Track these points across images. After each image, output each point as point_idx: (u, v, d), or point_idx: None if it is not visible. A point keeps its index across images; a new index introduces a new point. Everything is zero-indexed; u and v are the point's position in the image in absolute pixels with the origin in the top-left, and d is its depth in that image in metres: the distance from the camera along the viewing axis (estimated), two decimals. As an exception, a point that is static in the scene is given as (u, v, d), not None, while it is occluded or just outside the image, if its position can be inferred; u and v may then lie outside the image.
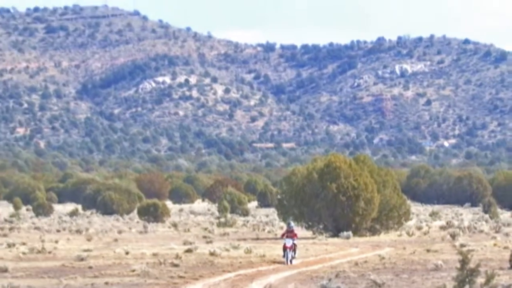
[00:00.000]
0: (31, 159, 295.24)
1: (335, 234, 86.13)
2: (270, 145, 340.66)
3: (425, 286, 37.52)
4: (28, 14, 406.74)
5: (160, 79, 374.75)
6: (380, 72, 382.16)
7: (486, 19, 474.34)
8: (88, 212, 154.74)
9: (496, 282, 22.48)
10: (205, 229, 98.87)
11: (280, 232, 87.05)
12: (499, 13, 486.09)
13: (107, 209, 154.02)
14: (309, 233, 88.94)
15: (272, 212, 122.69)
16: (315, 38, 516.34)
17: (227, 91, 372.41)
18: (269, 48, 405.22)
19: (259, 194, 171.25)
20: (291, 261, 51.19)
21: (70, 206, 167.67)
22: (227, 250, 66.32)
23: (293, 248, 51.27)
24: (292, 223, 57.90)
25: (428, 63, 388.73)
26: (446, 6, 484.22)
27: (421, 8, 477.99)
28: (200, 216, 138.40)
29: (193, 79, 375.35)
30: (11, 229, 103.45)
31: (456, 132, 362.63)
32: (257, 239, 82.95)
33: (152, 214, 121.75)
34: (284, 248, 51.13)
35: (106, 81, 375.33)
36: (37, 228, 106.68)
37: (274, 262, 53.18)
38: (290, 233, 51.61)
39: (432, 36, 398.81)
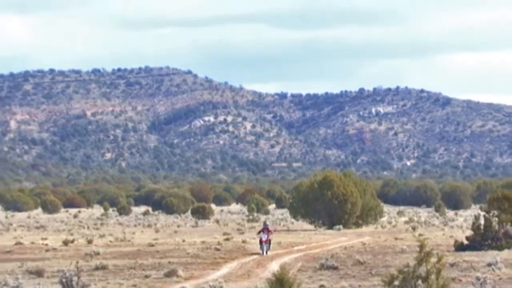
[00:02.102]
0: (116, 175, 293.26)
1: (330, 227, 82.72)
2: (284, 164, 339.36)
3: (394, 263, 35.38)
4: (113, 73, 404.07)
5: (206, 118, 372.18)
6: (361, 113, 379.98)
7: (436, 75, 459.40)
8: (156, 212, 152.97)
9: (444, 261, 22.75)
10: (238, 223, 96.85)
11: (291, 227, 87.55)
12: (444, 70, 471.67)
13: (169, 210, 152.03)
14: (311, 227, 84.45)
15: (285, 212, 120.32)
16: (315, 89, 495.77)
17: (253, 126, 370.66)
18: (283, 96, 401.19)
19: (276, 199, 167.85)
20: (266, 252, 45.48)
21: (143, 208, 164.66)
22: (254, 238, 62.59)
23: (269, 242, 45.69)
24: (268, 222, 53.12)
25: (395, 106, 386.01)
26: (407, 65, 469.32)
27: (389, 67, 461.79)
28: (235, 215, 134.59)
29: (229, 118, 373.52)
30: (101, 224, 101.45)
31: (415, 154, 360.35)
32: (275, 230, 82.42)
33: (201, 213, 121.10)
34: (260, 242, 45.60)
35: (168, 120, 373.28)
36: (120, 223, 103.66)
37: (252, 254, 46.88)
38: (265, 230, 45.68)
39: (397, 87, 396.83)
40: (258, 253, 46.56)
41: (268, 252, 45.58)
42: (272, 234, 47.95)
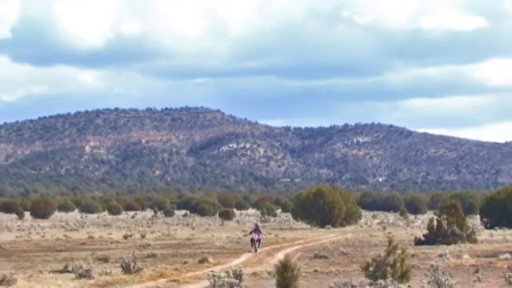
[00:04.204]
0: (163, 187, 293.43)
1: (322, 226, 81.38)
2: (288, 180, 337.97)
3: (369, 254, 34.10)
4: (162, 111, 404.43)
5: (230, 145, 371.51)
6: (345, 142, 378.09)
7: (401, 114, 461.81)
8: (192, 215, 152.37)
9: (406, 252, 22.51)
10: (254, 223, 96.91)
11: (293, 226, 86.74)
12: (407, 111, 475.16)
13: (202, 213, 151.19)
14: (308, 226, 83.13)
15: (289, 215, 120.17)
16: (311, 124, 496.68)
17: (265, 151, 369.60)
18: (287, 129, 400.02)
19: (282, 205, 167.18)
20: (256, 250, 41.05)
21: (183, 211, 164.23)
22: (267, 234, 62.43)
23: (259, 240, 41.60)
24: (259, 224, 49.33)
25: (371, 137, 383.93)
26: (380, 107, 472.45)
27: (366, 108, 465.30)
28: (251, 217, 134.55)
29: (247, 145, 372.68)
30: (152, 223, 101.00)
31: (386, 173, 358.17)
32: (281, 229, 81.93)
33: (226, 215, 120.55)
34: (252, 240, 41.55)
35: (202, 146, 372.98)
36: (165, 223, 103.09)
37: (263, 247, 44.41)
38: (256, 231, 41.80)
39: (372, 123, 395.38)
40: (265, 248, 44.41)
41: (258, 250, 41.30)
42: (261, 234, 44.03)
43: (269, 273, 26.09)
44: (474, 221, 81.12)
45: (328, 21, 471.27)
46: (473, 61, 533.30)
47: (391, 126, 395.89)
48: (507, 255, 33.71)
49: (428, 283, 19.87)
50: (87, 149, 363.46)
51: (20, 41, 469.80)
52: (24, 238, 61.82)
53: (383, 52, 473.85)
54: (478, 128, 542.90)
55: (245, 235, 60.25)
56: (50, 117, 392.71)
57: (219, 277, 22.60)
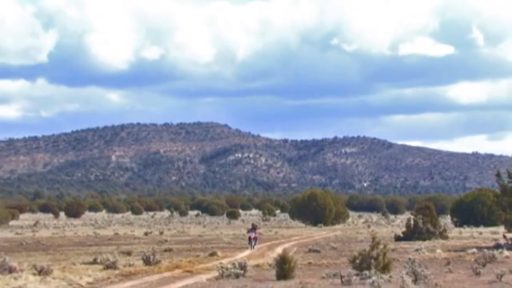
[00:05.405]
0: (178, 191, 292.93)
1: (315, 225, 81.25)
2: (286, 185, 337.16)
3: (356, 248, 32.94)
4: (177, 125, 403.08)
5: (236, 155, 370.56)
6: (335, 152, 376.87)
7: (383, 128, 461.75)
8: (203, 215, 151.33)
9: (388, 247, 22.32)
10: (257, 222, 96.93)
11: (290, 225, 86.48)
12: (388, 125, 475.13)
13: (212, 213, 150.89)
14: (303, 225, 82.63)
15: (286, 215, 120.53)
16: (306, 137, 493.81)
17: (266, 160, 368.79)
18: (285, 141, 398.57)
19: (281, 207, 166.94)
20: (253, 247, 38.74)
21: (195, 212, 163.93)
22: (267, 231, 63.88)
23: (255, 238, 39.36)
24: (255, 223, 48.13)
25: (357, 148, 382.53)
26: (365, 122, 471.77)
27: (353, 123, 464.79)
28: (254, 216, 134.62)
29: (251, 155, 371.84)
30: (169, 222, 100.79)
31: (370, 179, 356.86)
32: (279, 227, 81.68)
33: (232, 215, 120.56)
34: (249, 239, 39.50)
35: (212, 156, 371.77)
36: (180, 222, 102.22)
37: (264, 242, 43.74)
38: (253, 230, 39.64)
39: (358, 136, 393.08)
40: (266, 243, 43.98)
41: (255, 247, 39.19)
42: (258, 233, 41.91)
43: (269, 265, 25.91)
44: (446, 220, 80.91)
45: (320, 48, 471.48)
46: (445, 83, 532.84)
47: (374, 138, 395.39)
48: (474, 250, 33.60)
49: (407, 273, 19.81)
50: (113, 158, 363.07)
51: (56, 66, 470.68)
52: (59, 234, 61.90)
53: (367, 75, 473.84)
54: (449, 141, 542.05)
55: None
56: (82, 130, 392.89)
57: (227, 268, 22.65)
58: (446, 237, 47.65)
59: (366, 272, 20.56)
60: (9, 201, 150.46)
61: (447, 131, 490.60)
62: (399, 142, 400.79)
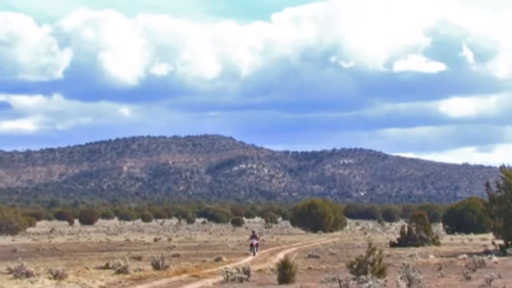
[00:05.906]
0: (185, 199, 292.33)
1: (315, 232, 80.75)
2: (287, 194, 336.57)
3: (353, 254, 33.45)
4: (185, 138, 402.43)
5: (240, 166, 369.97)
6: (334, 163, 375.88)
7: (378, 141, 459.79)
8: (209, 222, 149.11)
9: (383, 253, 22.22)
10: (259, 229, 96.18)
11: (291, 232, 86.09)
12: (383, 138, 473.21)
13: (218, 220, 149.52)
14: (303, 232, 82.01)
15: (288, 223, 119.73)
16: (306, 149, 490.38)
17: (269, 171, 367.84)
18: (286, 152, 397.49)
19: (282, 215, 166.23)
20: (254, 253, 37.88)
21: (202, 219, 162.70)
22: (269, 238, 63.81)
23: (257, 245, 38.77)
24: (256, 230, 47.70)
25: (354, 159, 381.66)
26: (361, 135, 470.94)
27: (351, 136, 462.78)
28: (258, 224, 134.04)
29: (254, 166, 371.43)
30: (177, 229, 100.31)
31: (366, 188, 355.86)
32: (281, 234, 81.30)
33: (237, 222, 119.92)
34: (251, 245, 38.73)
35: (218, 166, 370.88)
36: (188, 228, 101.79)
37: (267, 249, 43.23)
38: (254, 237, 38.82)
39: (355, 148, 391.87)
40: (268, 249, 43.63)
41: (257, 253, 38.40)
42: (259, 240, 40.72)
43: (272, 269, 25.86)
44: (438, 227, 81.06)
45: (319, 65, 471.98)
46: (437, 98, 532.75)
47: (370, 150, 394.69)
48: (465, 255, 33.44)
49: (401, 278, 19.80)
50: (125, 168, 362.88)
51: (71, 82, 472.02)
52: (74, 240, 61.68)
53: (364, 91, 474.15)
54: (440, 153, 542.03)
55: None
56: (95, 143, 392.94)
57: (232, 273, 22.72)
58: (438, 244, 47.40)
59: (363, 276, 20.53)
60: (26, 209, 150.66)
61: (439, 143, 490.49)
62: (394, 154, 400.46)
